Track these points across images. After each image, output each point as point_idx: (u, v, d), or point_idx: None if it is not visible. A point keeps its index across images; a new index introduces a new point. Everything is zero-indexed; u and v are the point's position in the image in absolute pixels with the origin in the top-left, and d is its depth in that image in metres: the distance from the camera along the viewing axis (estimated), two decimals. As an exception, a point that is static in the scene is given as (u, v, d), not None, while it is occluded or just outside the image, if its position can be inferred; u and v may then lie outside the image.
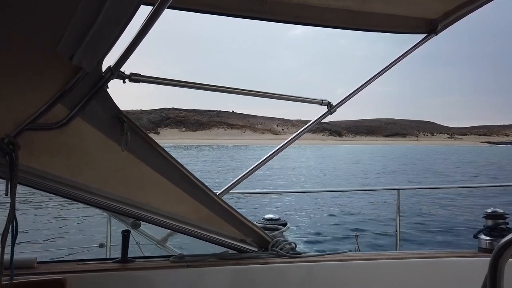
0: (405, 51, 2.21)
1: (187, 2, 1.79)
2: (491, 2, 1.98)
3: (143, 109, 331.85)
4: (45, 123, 1.50)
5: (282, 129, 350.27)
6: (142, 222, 1.96)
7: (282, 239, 2.24)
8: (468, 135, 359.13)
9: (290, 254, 2.15)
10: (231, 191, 2.26)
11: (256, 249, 2.16)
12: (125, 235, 2.03)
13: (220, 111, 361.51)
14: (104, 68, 1.51)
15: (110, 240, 3.39)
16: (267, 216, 2.40)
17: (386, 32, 2.19)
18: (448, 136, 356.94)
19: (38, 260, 1.95)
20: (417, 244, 7.47)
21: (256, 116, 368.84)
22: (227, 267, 2.02)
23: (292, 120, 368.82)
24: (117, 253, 2.10)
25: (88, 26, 1.20)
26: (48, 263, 2.04)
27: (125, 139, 1.62)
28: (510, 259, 0.83)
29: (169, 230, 2.10)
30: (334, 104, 2.24)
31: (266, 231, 2.23)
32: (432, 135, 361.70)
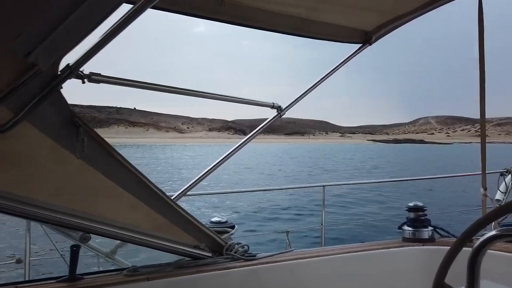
0: (343, 59, 2.40)
1: None
2: (417, 18, 2.26)
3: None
4: None
5: (187, 128, 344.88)
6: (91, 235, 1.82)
7: (235, 242, 2.21)
8: (356, 133, 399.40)
9: (246, 257, 2.13)
10: (188, 193, 2.23)
11: (210, 255, 2.10)
12: (75, 251, 1.85)
13: (120, 107, 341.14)
14: (61, 66, 1.37)
15: (30, 254, 2.94)
16: (214, 219, 2.32)
17: (328, 40, 2.34)
18: (340, 134, 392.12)
19: None
20: (344, 238, 8.23)
21: (160, 113, 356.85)
22: (188, 276, 1.94)
23: (198, 118, 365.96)
24: (41, 269, 1.91)
25: (58, 22, 1.10)
26: None
27: (80, 145, 1.49)
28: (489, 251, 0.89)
29: (118, 241, 1.97)
30: (283, 108, 2.33)
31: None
32: (327, 133, 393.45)
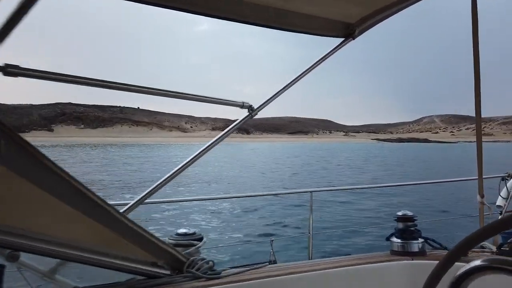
0: (323, 54, 2.18)
1: None
2: (403, 10, 2.10)
3: (33, 104, 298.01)
4: None
5: (191, 127, 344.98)
6: (22, 253, 1.57)
7: (199, 257, 1.97)
8: (360, 132, 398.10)
9: (208, 274, 1.88)
10: (146, 200, 1.96)
11: (169, 272, 1.87)
12: None
13: (124, 107, 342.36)
14: None
15: None
16: (180, 230, 2.08)
17: (307, 34, 2.13)
18: (344, 133, 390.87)
19: None
20: (330, 246, 7.80)
21: (164, 113, 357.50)
22: None
23: (201, 118, 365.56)
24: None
25: None
26: None
27: None
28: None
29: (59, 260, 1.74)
30: (255, 107, 2.10)
31: (181, 248, 1.95)
32: (330, 132, 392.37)
